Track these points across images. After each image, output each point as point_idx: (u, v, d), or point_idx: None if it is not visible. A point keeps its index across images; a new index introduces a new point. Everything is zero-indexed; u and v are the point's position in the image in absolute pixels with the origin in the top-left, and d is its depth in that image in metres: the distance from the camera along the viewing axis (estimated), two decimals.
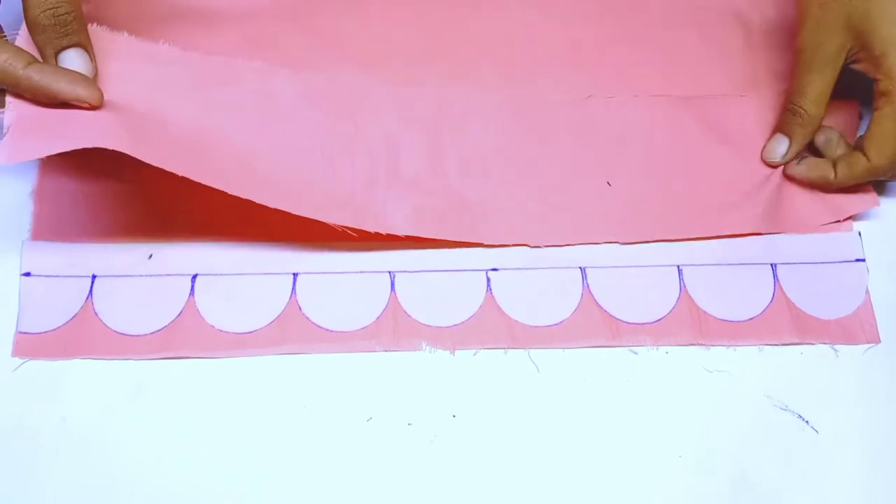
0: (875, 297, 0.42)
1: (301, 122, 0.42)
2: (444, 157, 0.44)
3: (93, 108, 0.36)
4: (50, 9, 0.36)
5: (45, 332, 0.40)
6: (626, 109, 0.46)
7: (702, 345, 0.41)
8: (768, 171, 0.45)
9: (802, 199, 0.44)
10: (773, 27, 0.48)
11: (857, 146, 0.42)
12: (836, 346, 0.41)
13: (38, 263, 0.41)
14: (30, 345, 0.40)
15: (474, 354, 0.41)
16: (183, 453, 0.38)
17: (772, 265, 0.43)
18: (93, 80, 0.37)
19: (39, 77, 0.35)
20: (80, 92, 0.36)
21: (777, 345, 0.41)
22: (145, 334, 0.40)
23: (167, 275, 0.41)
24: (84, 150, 0.35)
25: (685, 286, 0.42)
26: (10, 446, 0.38)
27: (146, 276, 0.41)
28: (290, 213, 0.39)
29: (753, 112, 0.46)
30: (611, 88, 0.46)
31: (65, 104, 0.36)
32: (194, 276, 0.41)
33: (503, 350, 0.41)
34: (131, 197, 0.42)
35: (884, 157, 0.41)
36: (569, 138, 0.45)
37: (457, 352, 0.41)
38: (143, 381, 0.39)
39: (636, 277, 0.42)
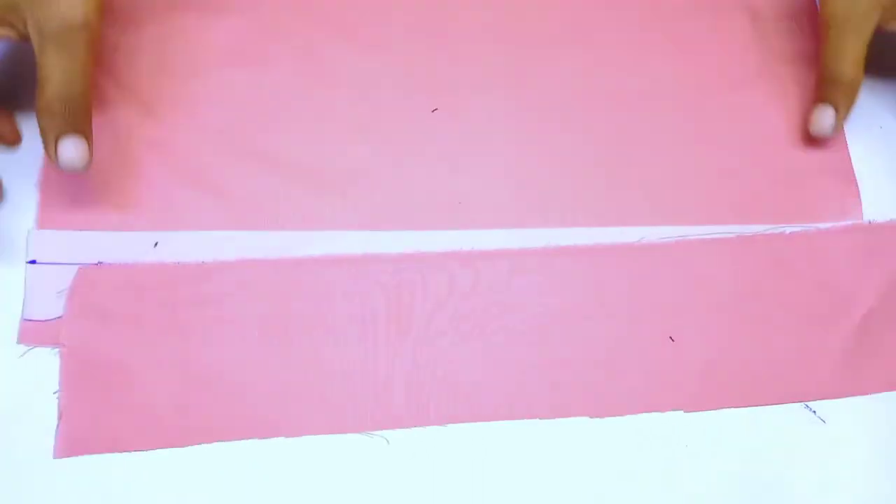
0: None
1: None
2: (471, 333, 0.40)
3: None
4: (63, 99, 0.37)
5: (51, 319, 0.40)
6: (685, 251, 0.42)
7: None
8: (856, 319, 0.41)
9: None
10: (782, 14, 0.48)
11: None
12: None
13: (44, 251, 0.41)
14: (35, 332, 0.40)
15: None
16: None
17: None
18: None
19: None
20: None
21: None
22: None
23: (173, 262, 0.41)
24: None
25: None
26: (11, 432, 0.38)
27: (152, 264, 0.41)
28: None
29: (829, 246, 0.42)
30: (617, 75, 0.46)
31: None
32: (201, 264, 0.41)
33: None
34: (137, 185, 0.43)
35: None
36: (622, 290, 0.41)
37: None
38: None
39: None
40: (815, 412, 0.39)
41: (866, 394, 0.40)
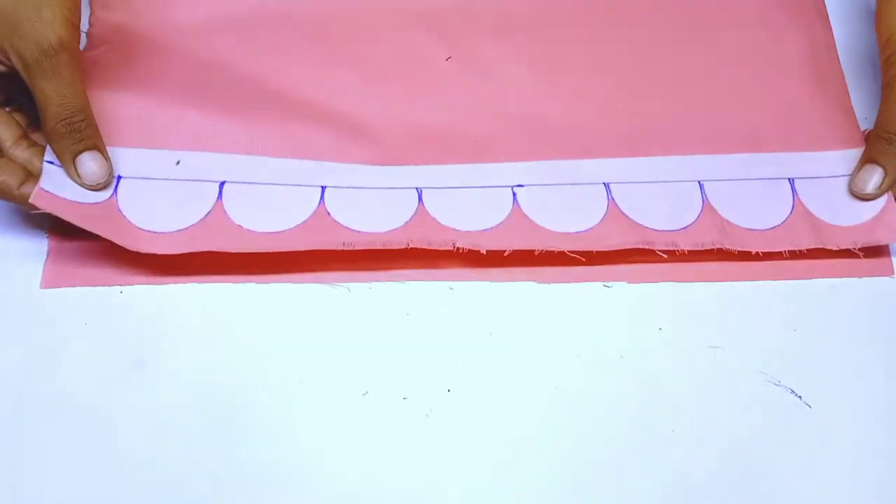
0: None
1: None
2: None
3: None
4: (65, 120, 0.39)
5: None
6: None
7: (728, 248, 0.42)
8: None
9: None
10: None
11: None
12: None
13: None
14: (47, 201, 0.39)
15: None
16: (178, 437, 0.39)
17: (790, 180, 0.44)
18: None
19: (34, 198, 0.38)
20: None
21: (799, 249, 0.42)
22: (171, 231, 0.40)
23: (195, 180, 0.42)
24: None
25: (707, 199, 0.43)
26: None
27: (173, 181, 0.42)
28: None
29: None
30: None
31: None
32: (222, 183, 0.42)
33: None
34: (162, 103, 0.44)
35: None
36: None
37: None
38: (143, 356, 0.40)
39: (660, 191, 0.43)
40: (800, 397, 0.40)
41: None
